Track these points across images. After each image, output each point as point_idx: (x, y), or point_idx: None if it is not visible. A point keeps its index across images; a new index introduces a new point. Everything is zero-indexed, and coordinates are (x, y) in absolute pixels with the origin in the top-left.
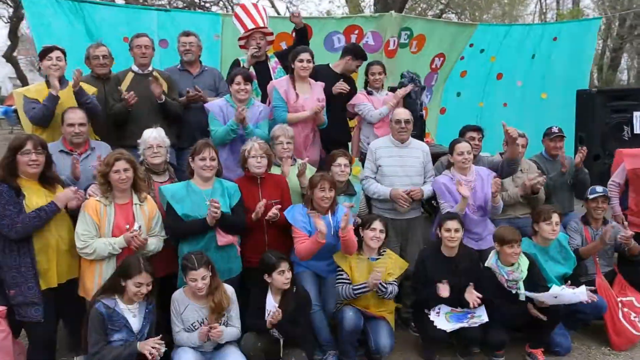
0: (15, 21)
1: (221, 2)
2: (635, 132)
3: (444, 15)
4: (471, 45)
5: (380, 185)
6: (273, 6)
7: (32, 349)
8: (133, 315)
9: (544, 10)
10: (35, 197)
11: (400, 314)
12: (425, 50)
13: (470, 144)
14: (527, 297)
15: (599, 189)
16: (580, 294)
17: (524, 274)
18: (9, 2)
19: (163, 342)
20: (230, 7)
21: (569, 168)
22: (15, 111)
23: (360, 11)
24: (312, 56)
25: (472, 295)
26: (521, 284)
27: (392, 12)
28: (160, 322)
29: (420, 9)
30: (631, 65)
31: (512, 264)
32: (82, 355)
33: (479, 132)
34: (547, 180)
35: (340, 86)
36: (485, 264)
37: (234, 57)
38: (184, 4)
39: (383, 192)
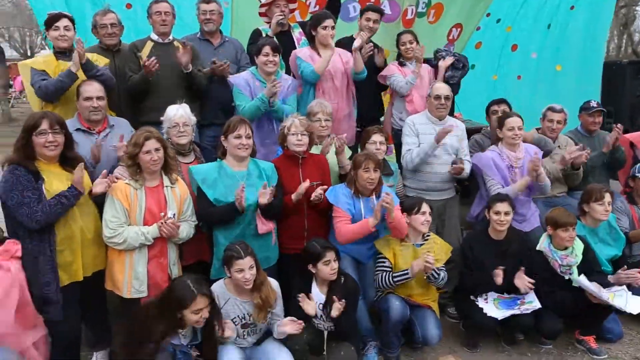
0: None
1: None
2: None
3: None
4: (488, 15)
5: (423, 145)
6: None
7: (54, 348)
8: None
9: None
10: (56, 181)
11: (438, 302)
12: (443, 20)
13: (520, 120)
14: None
15: None
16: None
17: (579, 258)
18: None
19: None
20: None
21: (609, 148)
22: None
23: None
24: (335, 22)
25: (522, 280)
26: (575, 269)
27: None
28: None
29: None
30: (611, 37)
31: (566, 248)
32: (102, 351)
33: (508, 105)
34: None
35: (361, 43)
36: (537, 248)
37: (245, 26)
38: None
39: (428, 146)
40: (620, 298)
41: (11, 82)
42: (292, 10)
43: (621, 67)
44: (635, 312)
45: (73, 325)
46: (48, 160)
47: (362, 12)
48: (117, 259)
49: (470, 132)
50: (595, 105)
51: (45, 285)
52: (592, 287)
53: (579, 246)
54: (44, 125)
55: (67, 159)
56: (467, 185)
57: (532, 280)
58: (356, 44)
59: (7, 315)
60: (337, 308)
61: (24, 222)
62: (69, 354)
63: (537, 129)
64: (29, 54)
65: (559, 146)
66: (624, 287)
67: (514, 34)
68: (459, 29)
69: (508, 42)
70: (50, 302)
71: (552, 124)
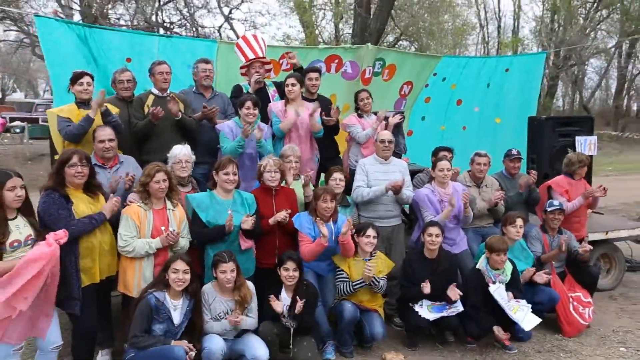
0: None
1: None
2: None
3: (398, 43)
4: (435, 74)
5: (374, 187)
6: (232, 28)
7: (74, 339)
8: (174, 309)
9: (487, 40)
10: (81, 204)
11: (385, 312)
12: (395, 79)
13: (449, 163)
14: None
15: (556, 203)
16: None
17: (508, 277)
18: None
19: (194, 350)
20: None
21: (525, 189)
22: None
23: (316, 36)
24: (298, 80)
25: (454, 291)
26: (503, 286)
27: (369, 44)
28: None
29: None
30: (566, 93)
31: (499, 269)
32: (107, 349)
33: (451, 152)
34: (506, 197)
35: (328, 118)
36: (477, 266)
37: (226, 81)
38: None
39: (379, 189)
40: (521, 312)
41: None
42: (267, 70)
43: (541, 122)
44: (527, 329)
45: (90, 319)
46: (75, 187)
47: (304, 74)
48: (129, 266)
49: (414, 173)
50: (515, 153)
51: (70, 286)
52: (501, 300)
53: (508, 267)
54: (75, 159)
55: (90, 186)
56: (412, 219)
57: (461, 293)
58: (307, 113)
59: (21, 281)
60: (299, 306)
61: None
62: (85, 344)
63: (468, 171)
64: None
65: (485, 185)
66: (528, 304)
67: (458, 91)
68: (409, 86)
69: (453, 98)
70: (73, 299)
71: (480, 166)
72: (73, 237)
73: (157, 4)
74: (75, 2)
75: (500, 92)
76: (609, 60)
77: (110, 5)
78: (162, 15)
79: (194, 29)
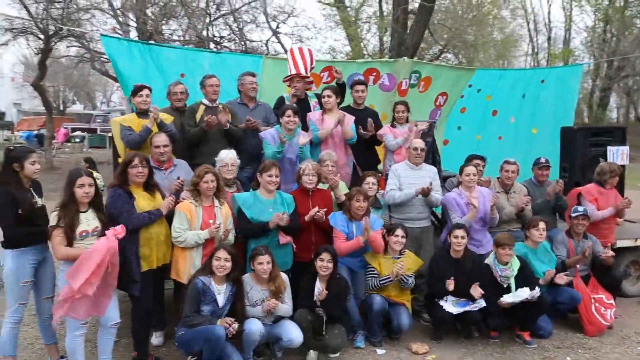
0: (44, 52)
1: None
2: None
3: (442, 55)
4: (470, 85)
5: (405, 190)
6: (279, 42)
7: (133, 319)
8: (218, 293)
9: (536, 51)
10: (141, 200)
11: (414, 308)
12: (430, 90)
13: (475, 169)
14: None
15: (580, 209)
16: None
17: (514, 272)
18: (40, 36)
19: (236, 322)
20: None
21: (552, 197)
22: (36, 136)
23: (360, 49)
24: (334, 92)
25: (477, 289)
26: (512, 280)
27: (405, 57)
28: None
29: (420, 48)
30: (620, 104)
31: (506, 263)
32: (160, 332)
33: (483, 160)
34: (534, 204)
35: (365, 132)
36: (485, 262)
37: (271, 92)
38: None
39: (409, 192)
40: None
41: (55, 134)
42: (308, 83)
43: (574, 132)
44: (524, 296)
45: (147, 301)
46: (137, 185)
47: (351, 86)
48: (180, 255)
49: (446, 178)
50: (543, 162)
51: (131, 269)
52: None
53: (515, 263)
54: (136, 161)
55: (149, 185)
56: (443, 222)
57: (482, 292)
58: (333, 124)
59: (90, 269)
60: (323, 294)
61: (123, 224)
62: (143, 323)
63: (497, 178)
64: (61, 107)
65: (514, 191)
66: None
67: (493, 102)
68: (444, 97)
69: (489, 108)
70: (134, 281)
71: (508, 173)
72: (134, 228)
73: (207, 20)
74: (131, 20)
75: (537, 103)
76: None
77: (164, 22)
78: (212, 30)
79: (242, 42)
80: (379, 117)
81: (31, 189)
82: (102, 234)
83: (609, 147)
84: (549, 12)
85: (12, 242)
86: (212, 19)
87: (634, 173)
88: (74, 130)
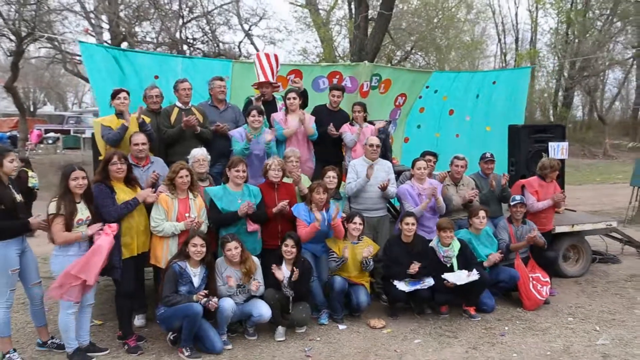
0: (17, 54)
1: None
2: (550, 157)
3: (410, 57)
4: (427, 87)
5: (358, 180)
6: (252, 43)
7: (117, 302)
8: (194, 275)
9: (504, 51)
10: (122, 194)
11: (374, 289)
12: (390, 91)
13: (426, 163)
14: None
15: (518, 197)
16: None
17: (455, 253)
18: (11, 38)
19: (211, 297)
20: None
21: (497, 187)
22: (9, 137)
23: (332, 50)
24: (298, 94)
25: (415, 266)
26: (454, 260)
27: (366, 62)
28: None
29: (388, 49)
30: (585, 103)
31: (448, 245)
32: (142, 314)
33: (434, 156)
34: (480, 194)
35: (331, 131)
36: (430, 245)
37: (239, 93)
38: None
39: (362, 180)
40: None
41: (28, 136)
42: (275, 87)
43: (518, 129)
44: (458, 282)
45: (129, 284)
46: (117, 180)
47: (330, 89)
48: (158, 243)
49: (400, 172)
50: (488, 156)
51: (113, 256)
52: (454, 279)
53: (456, 245)
54: (115, 158)
55: (129, 180)
56: (398, 210)
57: (417, 269)
58: (297, 123)
59: (99, 262)
60: (295, 275)
61: (105, 217)
62: (126, 305)
63: (448, 172)
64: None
65: (462, 184)
66: (477, 274)
67: (449, 102)
68: (403, 97)
69: (445, 108)
70: (116, 267)
71: (457, 168)
72: (115, 220)
73: (180, 22)
74: (104, 22)
75: (489, 103)
76: (627, 72)
77: (137, 24)
78: (185, 32)
79: (215, 44)
80: None
81: (10, 185)
82: (92, 222)
83: (550, 143)
84: (516, 14)
85: None
86: (185, 21)
87: (593, 170)
88: (47, 131)
